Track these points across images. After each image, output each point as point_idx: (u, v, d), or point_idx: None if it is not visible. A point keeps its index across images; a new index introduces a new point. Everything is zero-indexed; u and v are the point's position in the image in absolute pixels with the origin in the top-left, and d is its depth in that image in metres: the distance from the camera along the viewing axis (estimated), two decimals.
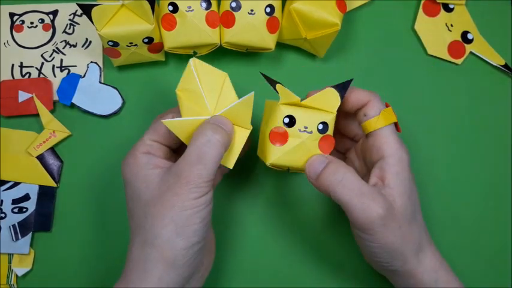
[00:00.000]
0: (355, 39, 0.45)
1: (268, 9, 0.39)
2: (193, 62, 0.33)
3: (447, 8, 0.46)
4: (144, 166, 0.32)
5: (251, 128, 0.34)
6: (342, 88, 0.34)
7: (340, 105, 0.35)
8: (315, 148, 0.34)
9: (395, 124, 0.35)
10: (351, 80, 0.34)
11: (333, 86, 0.34)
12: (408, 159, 0.34)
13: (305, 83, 0.44)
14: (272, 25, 0.39)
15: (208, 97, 0.33)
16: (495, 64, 0.46)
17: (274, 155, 0.33)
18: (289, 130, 0.33)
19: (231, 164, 0.33)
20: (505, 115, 0.45)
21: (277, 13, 0.39)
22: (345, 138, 0.39)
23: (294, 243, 0.41)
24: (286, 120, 0.33)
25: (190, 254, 0.30)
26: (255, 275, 0.41)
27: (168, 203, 0.30)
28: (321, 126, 0.33)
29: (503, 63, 0.46)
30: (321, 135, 0.34)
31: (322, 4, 0.38)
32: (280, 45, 0.43)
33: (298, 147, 0.33)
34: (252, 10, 0.38)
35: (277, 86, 0.33)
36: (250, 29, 0.39)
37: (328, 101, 0.34)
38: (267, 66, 0.44)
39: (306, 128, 0.33)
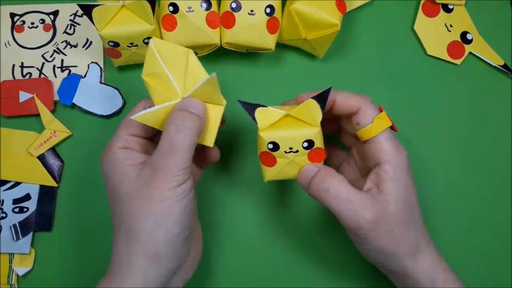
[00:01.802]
0: (355, 39, 0.45)
1: (268, 10, 0.39)
2: (154, 42, 0.32)
3: (446, 9, 0.47)
4: (121, 162, 0.32)
5: (225, 103, 0.33)
6: (321, 99, 0.32)
7: (331, 111, 0.35)
8: (304, 161, 0.34)
9: (391, 126, 0.34)
10: (329, 89, 0.33)
11: (313, 97, 0.32)
12: (406, 163, 0.33)
13: (305, 83, 0.44)
14: (272, 25, 0.39)
15: (175, 78, 0.32)
16: (494, 64, 0.46)
17: (269, 174, 0.35)
18: (275, 153, 0.34)
19: (210, 142, 0.33)
20: (505, 115, 0.45)
21: (277, 13, 0.39)
22: (349, 134, 0.39)
23: (289, 242, 0.42)
24: (270, 146, 0.33)
25: (174, 245, 0.30)
26: (247, 275, 0.41)
27: (146, 196, 0.30)
28: (305, 144, 0.33)
29: (502, 63, 0.46)
30: (308, 151, 0.34)
31: (322, 4, 0.38)
32: (280, 46, 0.44)
33: (288, 165, 0.34)
34: (252, 11, 0.39)
35: (257, 112, 0.33)
36: (250, 29, 0.39)
37: (310, 113, 0.33)
38: (267, 67, 0.44)
39: (291, 148, 0.33)
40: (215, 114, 0.33)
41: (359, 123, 0.34)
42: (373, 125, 0.33)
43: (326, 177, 0.33)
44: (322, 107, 0.33)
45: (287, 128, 0.33)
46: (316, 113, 0.33)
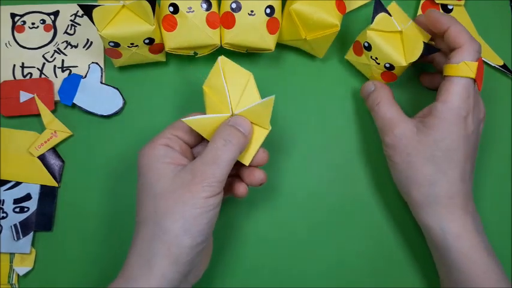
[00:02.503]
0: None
1: (268, 10, 0.39)
2: (221, 60, 0.35)
3: (446, 9, 0.47)
4: (161, 158, 0.32)
5: (270, 128, 0.35)
6: (427, 50, 0.37)
7: (441, 41, 0.38)
8: (378, 74, 0.41)
9: (476, 81, 0.35)
10: (438, 50, 0.38)
11: (425, 44, 0.37)
12: (462, 114, 0.35)
13: (305, 83, 0.44)
14: (272, 26, 0.39)
15: (231, 95, 0.34)
16: (494, 65, 0.46)
17: (351, 55, 0.43)
18: (365, 50, 0.40)
19: (247, 161, 0.35)
20: (505, 115, 0.45)
21: (277, 14, 0.39)
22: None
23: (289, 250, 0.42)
24: (366, 44, 0.39)
25: (193, 253, 0.31)
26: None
27: (180, 199, 0.31)
28: (388, 65, 0.39)
29: (501, 63, 0.46)
30: (386, 71, 0.40)
31: (322, 5, 0.38)
32: (280, 46, 0.44)
33: (367, 66, 0.41)
34: (252, 11, 0.39)
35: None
36: (250, 29, 0.39)
37: (415, 38, 0.38)
38: (267, 67, 0.44)
39: (376, 58, 0.39)
40: (258, 136, 0.35)
41: (450, 58, 0.36)
42: (458, 66, 0.35)
43: (377, 97, 0.39)
44: (424, 53, 0.37)
45: (388, 43, 0.38)
46: (416, 48, 0.37)
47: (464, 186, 0.36)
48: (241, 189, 0.36)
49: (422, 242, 0.41)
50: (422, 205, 0.36)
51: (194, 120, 0.33)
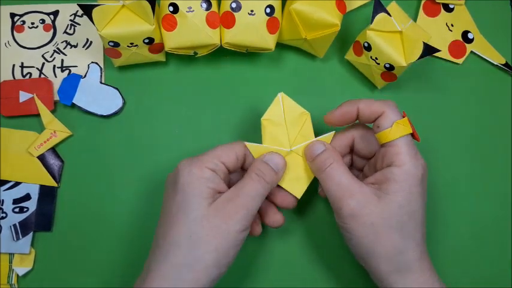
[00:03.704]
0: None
1: (268, 10, 0.39)
2: (282, 96, 0.36)
3: (447, 8, 0.46)
4: (206, 182, 0.32)
5: None
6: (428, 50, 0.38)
7: (356, 120, 0.36)
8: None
9: (413, 134, 0.34)
10: (437, 50, 0.37)
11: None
12: (419, 172, 0.33)
13: (305, 83, 0.44)
14: (272, 25, 0.39)
15: (289, 131, 0.36)
16: (496, 63, 0.46)
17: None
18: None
19: (299, 193, 0.37)
20: (507, 113, 0.45)
21: (277, 14, 0.39)
22: (364, 159, 0.38)
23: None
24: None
25: (215, 283, 0.31)
26: None
27: (216, 229, 0.31)
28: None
29: (503, 62, 0.46)
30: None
31: (322, 4, 0.38)
32: (280, 46, 0.43)
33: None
34: (252, 11, 0.38)
35: None
36: (250, 29, 0.39)
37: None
38: (267, 66, 0.44)
39: None
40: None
41: (379, 126, 0.34)
42: (392, 129, 0.33)
43: (327, 160, 0.35)
44: (424, 53, 0.38)
45: (388, 43, 0.39)
46: (416, 48, 0.38)
47: (425, 242, 0.34)
48: (278, 217, 0.37)
49: None
50: (390, 274, 0.33)
51: (255, 146, 0.35)
